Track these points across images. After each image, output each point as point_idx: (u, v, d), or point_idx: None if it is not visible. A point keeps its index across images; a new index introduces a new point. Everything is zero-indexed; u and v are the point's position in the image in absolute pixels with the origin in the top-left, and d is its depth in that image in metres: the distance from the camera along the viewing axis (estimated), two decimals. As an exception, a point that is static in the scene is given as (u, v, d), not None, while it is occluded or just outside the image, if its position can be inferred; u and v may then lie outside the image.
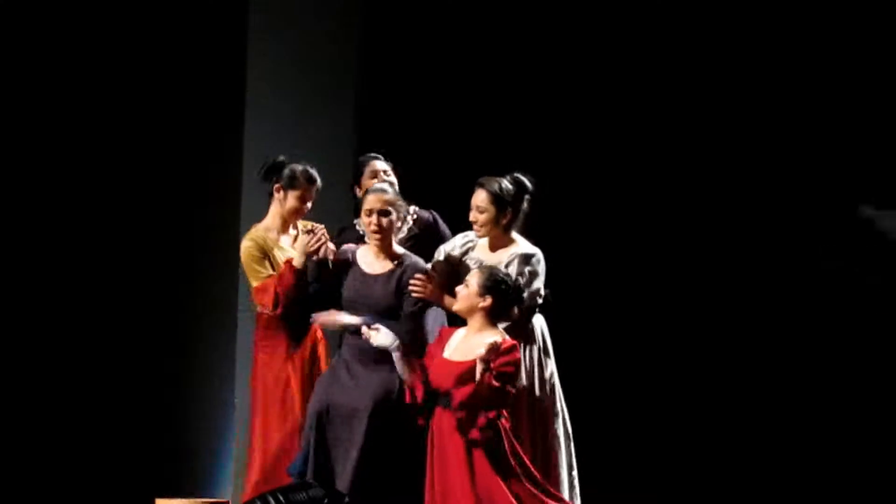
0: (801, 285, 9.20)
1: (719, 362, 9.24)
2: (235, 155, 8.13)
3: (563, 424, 7.12)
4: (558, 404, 7.13)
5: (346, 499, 6.71)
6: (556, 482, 7.00)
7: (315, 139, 8.70)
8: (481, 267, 6.86)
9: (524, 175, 7.14)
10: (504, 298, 6.71)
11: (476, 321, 6.73)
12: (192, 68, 8.90)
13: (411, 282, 6.99)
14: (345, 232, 7.49)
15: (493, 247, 7.15)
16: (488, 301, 6.69)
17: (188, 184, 8.87)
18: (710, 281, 9.31)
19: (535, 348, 7.10)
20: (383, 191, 7.06)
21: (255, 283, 7.17)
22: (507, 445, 6.56)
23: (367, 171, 7.55)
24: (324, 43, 8.86)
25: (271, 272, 7.14)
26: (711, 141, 9.28)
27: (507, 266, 7.02)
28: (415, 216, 7.43)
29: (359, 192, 7.46)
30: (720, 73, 9.27)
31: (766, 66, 9.24)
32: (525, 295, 6.88)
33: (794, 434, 9.09)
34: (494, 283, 6.70)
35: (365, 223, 7.03)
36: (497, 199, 7.05)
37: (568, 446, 7.13)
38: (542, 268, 7.08)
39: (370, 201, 7.01)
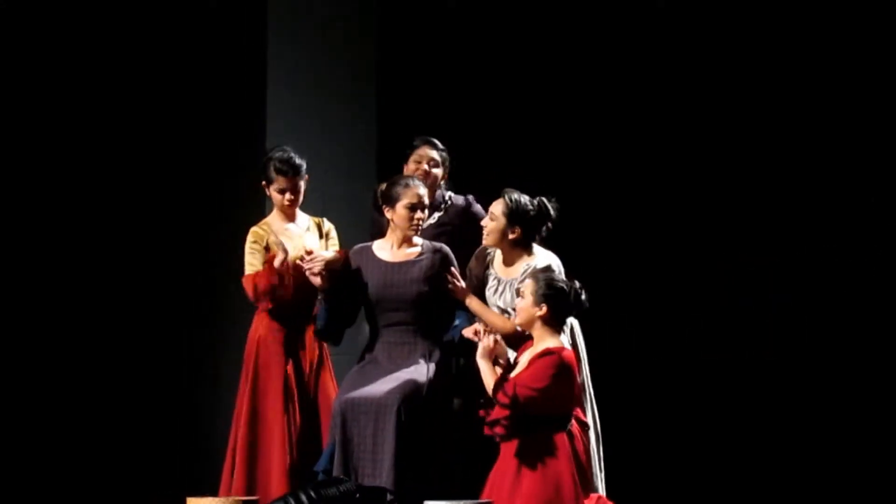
0: (803, 288, 9.25)
1: (723, 367, 9.25)
2: (258, 152, 8.12)
3: (594, 424, 7.11)
4: (590, 405, 7.10)
5: (390, 496, 6.67)
6: (592, 481, 6.98)
7: (336, 134, 8.69)
8: (535, 274, 6.72)
9: (551, 201, 7.06)
10: (561, 304, 6.56)
11: (536, 331, 6.60)
12: (212, 70, 8.89)
13: (449, 278, 7.00)
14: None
15: (507, 261, 7.09)
16: (544, 310, 6.55)
17: (210, 185, 8.87)
18: (714, 285, 9.32)
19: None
20: (421, 185, 7.02)
21: (245, 273, 7.13)
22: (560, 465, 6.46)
23: (418, 153, 7.46)
24: (344, 37, 8.85)
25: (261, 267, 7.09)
26: (731, 145, 9.32)
27: (522, 279, 6.91)
28: (449, 202, 7.47)
29: (406, 171, 7.40)
30: (745, 81, 9.31)
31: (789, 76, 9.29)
32: None
33: (796, 439, 9.12)
34: (549, 291, 6.56)
35: (405, 218, 6.97)
36: (510, 213, 6.98)
37: (598, 448, 7.13)
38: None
39: (416, 196, 6.97)
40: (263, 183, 7.17)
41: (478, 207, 7.46)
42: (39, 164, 8.86)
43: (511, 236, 6.98)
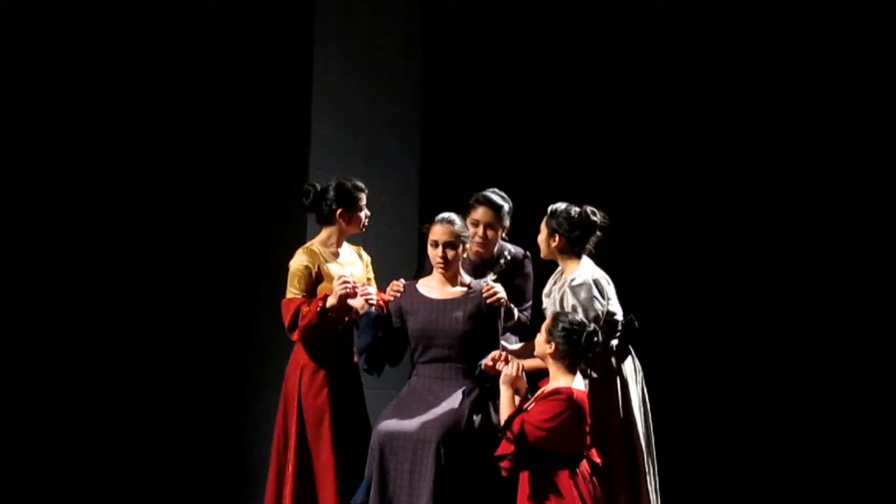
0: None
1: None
2: (301, 171, 8.11)
3: (650, 451, 7.13)
4: (642, 440, 7.09)
5: None
6: None
7: (381, 166, 8.69)
8: (555, 314, 6.71)
9: (597, 211, 7.04)
10: (570, 346, 6.55)
11: (550, 368, 6.65)
12: (257, 92, 8.90)
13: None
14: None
15: (562, 269, 7.10)
16: (553, 347, 6.57)
17: (256, 204, 8.88)
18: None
19: (618, 384, 7.05)
20: (450, 222, 7.02)
21: (287, 296, 7.14)
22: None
23: (472, 216, 7.30)
24: (389, 61, 8.84)
25: (304, 295, 7.08)
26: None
27: (560, 294, 6.95)
28: (508, 256, 7.39)
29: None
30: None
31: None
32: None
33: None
34: (559, 332, 6.57)
35: (431, 255, 7.03)
36: (549, 222, 7.02)
37: (653, 475, 7.13)
38: (586, 296, 6.90)
39: (436, 232, 7.00)
40: (340, 210, 7.16)
41: (530, 267, 7.42)
42: (88, 173, 8.91)
43: (553, 245, 7.01)
